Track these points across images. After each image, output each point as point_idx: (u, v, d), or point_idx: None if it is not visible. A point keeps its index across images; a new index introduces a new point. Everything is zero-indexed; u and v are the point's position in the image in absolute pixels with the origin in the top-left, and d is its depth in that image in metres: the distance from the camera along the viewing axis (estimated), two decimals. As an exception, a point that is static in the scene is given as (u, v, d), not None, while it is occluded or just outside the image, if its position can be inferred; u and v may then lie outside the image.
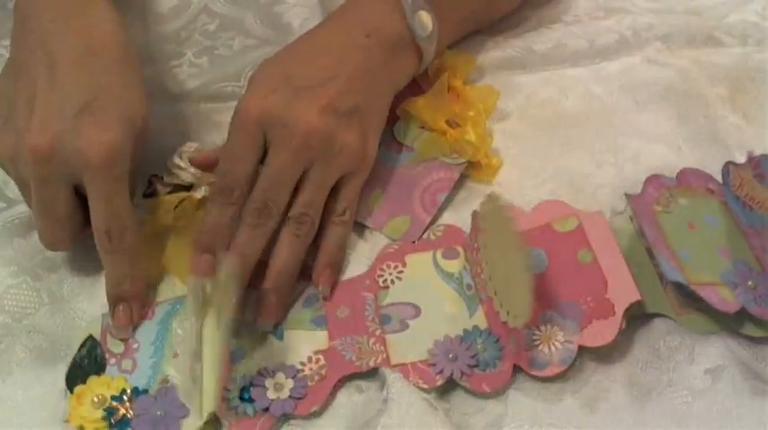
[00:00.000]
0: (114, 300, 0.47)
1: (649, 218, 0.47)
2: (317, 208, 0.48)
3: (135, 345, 0.47)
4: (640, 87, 0.57)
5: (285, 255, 0.47)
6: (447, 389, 0.44)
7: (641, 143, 0.54)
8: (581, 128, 0.55)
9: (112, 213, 0.45)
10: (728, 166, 0.48)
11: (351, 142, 0.48)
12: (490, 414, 0.43)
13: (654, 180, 0.50)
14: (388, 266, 0.49)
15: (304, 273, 0.49)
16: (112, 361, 0.46)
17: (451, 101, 0.55)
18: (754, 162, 0.46)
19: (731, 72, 0.57)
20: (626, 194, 0.49)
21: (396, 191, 0.52)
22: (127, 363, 0.46)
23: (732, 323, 0.44)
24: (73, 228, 0.47)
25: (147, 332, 0.47)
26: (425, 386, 0.44)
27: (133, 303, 0.48)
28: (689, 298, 0.44)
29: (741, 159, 0.51)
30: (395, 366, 0.44)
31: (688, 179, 0.50)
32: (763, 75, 0.57)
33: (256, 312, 0.46)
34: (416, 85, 0.56)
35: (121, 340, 0.47)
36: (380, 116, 0.51)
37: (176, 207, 0.51)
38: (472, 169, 0.53)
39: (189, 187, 0.52)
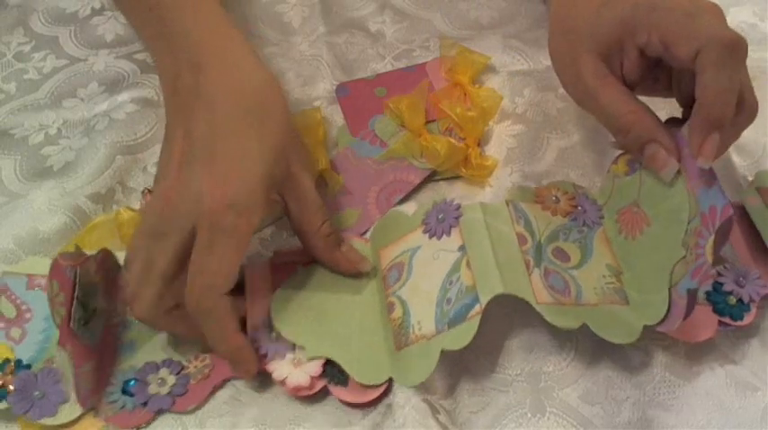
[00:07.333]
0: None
1: None
2: None
3: (28, 315, 0.46)
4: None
5: None
6: (453, 384, 0.45)
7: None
8: (579, 127, 0.56)
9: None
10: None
11: None
12: (495, 408, 0.45)
13: None
14: None
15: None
16: (1, 325, 0.46)
17: (458, 98, 0.56)
18: None
19: (730, 72, 0.58)
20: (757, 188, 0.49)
21: (356, 182, 0.54)
22: (16, 332, 0.46)
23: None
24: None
25: (44, 304, 0.45)
26: None
27: None
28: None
29: (739, 160, 0.53)
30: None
31: None
32: (762, 75, 0.57)
33: None
34: (414, 83, 0.57)
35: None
36: None
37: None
38: (466, 168, 0.54)
39: None
